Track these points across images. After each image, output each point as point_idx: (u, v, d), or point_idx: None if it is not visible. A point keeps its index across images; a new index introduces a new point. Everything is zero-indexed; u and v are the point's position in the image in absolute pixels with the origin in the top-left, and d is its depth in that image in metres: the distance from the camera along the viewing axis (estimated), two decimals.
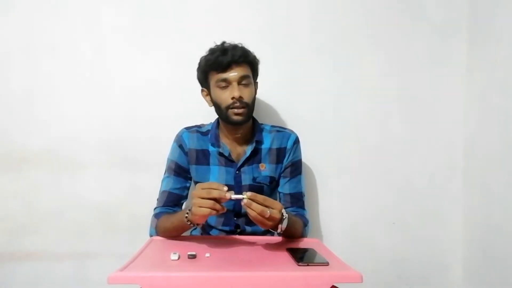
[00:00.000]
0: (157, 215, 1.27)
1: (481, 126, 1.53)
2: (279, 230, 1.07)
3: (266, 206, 1.01)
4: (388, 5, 1.60)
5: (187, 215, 1.09)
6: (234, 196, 1.01)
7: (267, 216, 1.00)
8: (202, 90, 1.34)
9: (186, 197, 1.35)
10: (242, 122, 1.26)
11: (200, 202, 1.01)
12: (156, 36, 1.55)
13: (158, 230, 1.23)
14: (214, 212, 1.01)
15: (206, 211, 1.00)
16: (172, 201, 1.31)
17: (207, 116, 1.41)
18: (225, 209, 1.02)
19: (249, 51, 1.27)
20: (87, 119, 1.55)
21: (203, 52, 1.31)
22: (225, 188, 1.01)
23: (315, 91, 1.59)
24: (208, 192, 1.01)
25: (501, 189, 1.41)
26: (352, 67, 1.60)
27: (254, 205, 0.99)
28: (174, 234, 1.20)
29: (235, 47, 1.24)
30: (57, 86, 1.54)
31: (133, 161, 1.56)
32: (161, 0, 1.55)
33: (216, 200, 1.01)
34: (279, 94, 1.57)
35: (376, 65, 1.61)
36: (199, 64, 1.30)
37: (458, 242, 1.64)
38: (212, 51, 1.25)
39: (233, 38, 1.28)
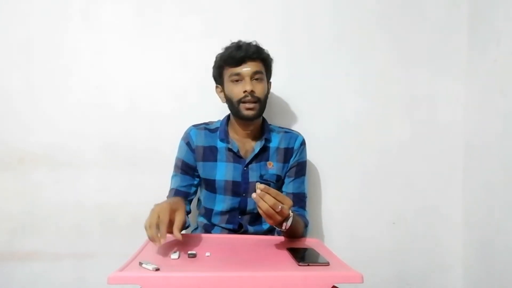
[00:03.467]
0: None
1: (481, 126, 1.53)
2: (283, 228, 1.07)
3: (278, 201, 1.00)
4: (388, 6, 1.61)
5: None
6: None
7: (278, 210, 0.99)
8: (216, 87, 1.36)
9: (194, 194, 1.36)
10: (253, 118, 1.27)
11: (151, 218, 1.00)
12: (156, 36, 1.55)
13: None
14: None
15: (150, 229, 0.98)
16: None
17: (208, 116, 1.41)
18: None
19: (263, 49, 1.30)
20: (87, 119, 1.55)
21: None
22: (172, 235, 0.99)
23: (315, 91, 1.59)
24: (152, 221, 0.98)
25: (501, 189, 1.41)
26: (353, 68, 1.60)
27: (268, 197, 0.99)
28: None
29: (249, 43, 1.28)
30: (57, 86, 1.54)
31: (133, 161, 1.56)
32: (161, 0, 1.55)
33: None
34: (279, 94, 1.57)
35: (377, 66, 1.61)
36: (215, 61, 1.33)
37: (458, 242, 1.64)
38: (227, 48, 1.29)
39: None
